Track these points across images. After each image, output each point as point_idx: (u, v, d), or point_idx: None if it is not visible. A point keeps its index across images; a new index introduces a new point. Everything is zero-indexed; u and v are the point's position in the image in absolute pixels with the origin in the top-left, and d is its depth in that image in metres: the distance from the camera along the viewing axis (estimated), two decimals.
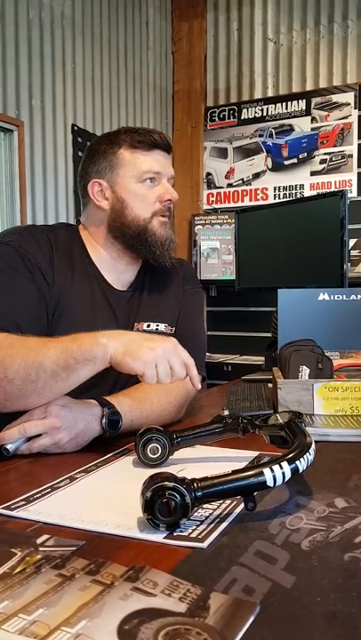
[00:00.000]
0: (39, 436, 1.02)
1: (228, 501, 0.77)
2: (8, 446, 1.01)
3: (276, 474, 0.72)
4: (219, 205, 4.24)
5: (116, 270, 1.31)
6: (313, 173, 3.92)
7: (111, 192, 1.27)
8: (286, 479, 0.73)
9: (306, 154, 3.94)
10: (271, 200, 4.04)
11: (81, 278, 1.25)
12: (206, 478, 0.70)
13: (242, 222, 2.34)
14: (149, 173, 1.27)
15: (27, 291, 1.15)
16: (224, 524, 0.70)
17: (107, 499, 0.82)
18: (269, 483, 0.71)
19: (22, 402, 1.03)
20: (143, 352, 1.00)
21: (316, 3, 3.89)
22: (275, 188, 4.05)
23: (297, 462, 0.74)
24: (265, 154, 4.07)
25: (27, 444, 1.02)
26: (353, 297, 1.56)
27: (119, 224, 1.28)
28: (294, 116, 3.96)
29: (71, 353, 1.01)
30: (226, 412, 1.01)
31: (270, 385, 1.59)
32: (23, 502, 0.79)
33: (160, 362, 1.00)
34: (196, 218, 4.16)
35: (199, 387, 1.05)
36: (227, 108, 4.19)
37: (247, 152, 4.14)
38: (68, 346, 1.02)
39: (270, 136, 4.04)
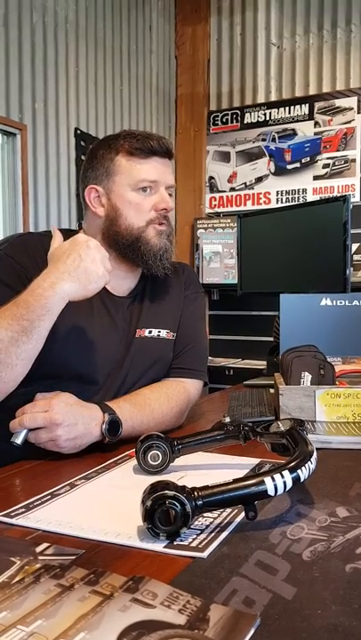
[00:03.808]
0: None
1: (228, 510, 0.76)
2: (14, 438, 1.02)
3: (277, 483, 0.71)
4: (221, 209, 4.24)
5: (116, 277, 1.30)
6: (316, 178, 3.92)
7: (107, 199, 1.26)
8: (287, 488, 0.72)
9: (309, 158, 3.94)
10: (274, 204, 4.04)
11: None
12: (207, 487, 0.70)
13: (244, 226, 2.33)
14: (145, 182, 1.24)
15: (6, 299, 1.11)
16: (224, 534, 0.70)
17: (107, 506, 0.81)
18: (270, 492, 0.71)
19: None
20: (93, 272, 1.07)
21: (320, 7, 3.89)
22: (277, 192, 4.05)
23: (298, 471, 0.74)
24: (268, 158, 4.07)
25: (30, 434, 1.03)
26: (355, 302, 1.56)
27: (113, 232, 1.27)
28: (297, 121, 3.96)
29: (21, 316, 1.02)
30: (227, 419, 1.00)
31: (272, 390, 1.58)
32: (23, 509, 0.79)
33: (101, 260, 1.09)
34: (198, 222, 4.16)
35: None
36: (230, 112, 4.19)
37: (250, 156, 4.13)
38: (15, 311, 1.03)
39: (273, 140, 4.04)
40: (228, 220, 4.08)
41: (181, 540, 0.67)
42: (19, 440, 1.02)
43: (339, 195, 3.78)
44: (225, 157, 4.22)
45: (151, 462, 0.93)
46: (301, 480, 0.74)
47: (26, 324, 1.02)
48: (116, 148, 1.26)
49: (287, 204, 3.95)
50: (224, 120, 4.21)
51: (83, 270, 1.06)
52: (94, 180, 1.27)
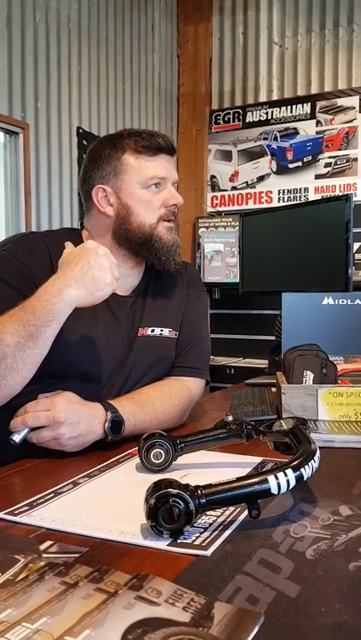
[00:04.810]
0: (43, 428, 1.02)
1: (231, 508, 0.76)
2: (14, 437, 1.02)
3: (280, 481, 0.71)
4: (223, 208, 4.24)
5: (120, 275, 1.31)
6: (318, 177, 3.92)
7: (116, 198, 1.26)
8: (291, 487, 0.73)
9: (311, 157, 3.93)
10: (275, 203, 4.03)
11: None
12: (210, 485, 0.70)
13: (246, 225, 2.33)
14: (155, 179, 1.25)
15: (9, 299, 1.12)
16: (228, 532, 0.70)
17: (110, 504, 0.81)
18: (274, 490, 0.71)
19: (3, 384, 1.03)
20: (100, 279, 1.07)
21: (322, 7, 3.89)
22: (279, 191, 4.05)
23: (302, 470, 0.74)
24: (270, 157, 4.07)
25: (32, 433, 1.03)
26: (357, 301, 1.56)
27: (124, 230, 1.27)
28: (299, 120, 3.96)
29: (28, 322, 1.02)
30: (230, 418, 1.00)
31: (274, 389, 1.58)
32: (27, 507, 0.79)
33: (109, 267, 1.09)
34: (200, 220, 4.16)
35: None
36: (231, 111, 4.18)
37: (252, 155, 4.13)
38: (22, 316, 1.03)
39: (275, 139, 4.04)
40: (230, 219, 4.08)
41: (185, 539, 0.68)
42: (18, 439, 1.02)
43: (341, 194, 3.78)
44: (227, 156, 4.21)
45: (154, 460, 0.93)
46: (305, 479, 0.75)
47: (32, 330, 1.02)
48: (122, 146, 1.26)
49: (289, 203, 3.95)
50: (226, 119, 4.20)
51: (90, 277, 1.06)
52: (101, 179, 1.27)
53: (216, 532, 0.69)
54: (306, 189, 3.96)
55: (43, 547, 0.66)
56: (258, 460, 0.99)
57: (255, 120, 4.10)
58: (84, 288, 1.06)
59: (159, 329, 1.31)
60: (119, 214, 1.27)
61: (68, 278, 1.06)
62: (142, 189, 1.25)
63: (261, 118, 4.08)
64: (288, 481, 0.72)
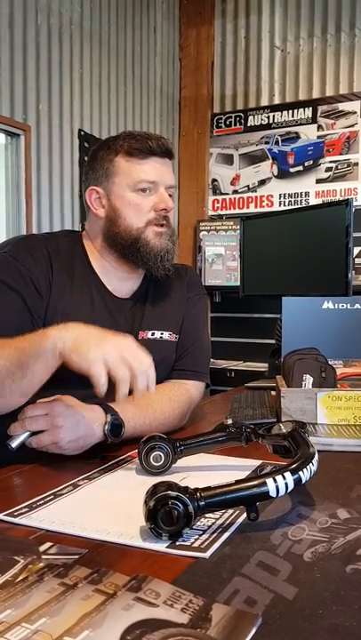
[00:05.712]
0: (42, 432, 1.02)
1: (230, 511, 0.77)
2: (11, 442, 1.02)
3: (279, 484, 0.72)
4: (224, 212, 4.25)
5: (117, 278, 1.31)
6: (318, 181, 3.92)
7: (107, 200, 1.27)
8: (289, 490, 0.73)
9: (312, 161, 3.94)
10: (276, 207, 4.04)
11: (81, 287, 1.25)
12: (209, 488, 0.70)
13: (247, 229, 2.34)
14: (144, 182, 1.24)
15: (10, 302, 1.12)
16: (226, 534, 0.70)
17: (109, 507, 0.82)
18: (272, 493, 0.72)
19: None
20: (89, 349, 0.93)
21: (324, 11, 3.90)
22: (280, 195, 4.05)
23: (300, 473, 0.74)
24: (271, 161, 4.07)
25: (31, 438, 1.03)
26: (357, 305, 1.56)
27: (112, 233, 1.27)
28: (300, 124, 3.97)
29: (22, 349, 1.00)
30: (229, 421, 1.01)
31: (273, 392, 1.59)
32: (26, 509, 0.79)
33: (112, 360, 0.93)
34: (201, 224, 4.17)
35: (153, 390, 0.97)
36: (233, 115, 4.19)
37: (253, 159, 4.14)
38: (20, 344, 1.02)
39: (276, 143, 4.05)
40: (231, 223, 4.08)
41: (184, 541, 0.68)
42: (15, 444, 1.01)
43: (341, 198, 3.79)
44: (228, 160, 4.22)
45: (154, 463, 0.94)
46: (303, 482, 0.75)
47: (23, 360, 1.00)
48: (116, 148, 1.26)
49: (290, 207, 3.95)
50: (227, 123, 4.21)
51: (100, 335, 0.99)
52: (95, 181, 1.28)
53: (215, 535, 0.70)
54: (307, 194, 3.97)
55: (42, 548, 0.66)
56: (257, 462, 0.99)
57: (257, 124, 4.11)
58: (72, 342, 0.97)
59: (159, 332, 1.31)
60: (108, 216, 1.27)
61: (77, 325, 1.00)
62: (131, 192, 1.25)
63: (263, 122, 4.09)
64: (286, 484, 0.72)
